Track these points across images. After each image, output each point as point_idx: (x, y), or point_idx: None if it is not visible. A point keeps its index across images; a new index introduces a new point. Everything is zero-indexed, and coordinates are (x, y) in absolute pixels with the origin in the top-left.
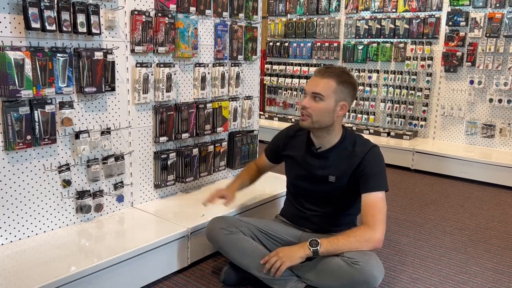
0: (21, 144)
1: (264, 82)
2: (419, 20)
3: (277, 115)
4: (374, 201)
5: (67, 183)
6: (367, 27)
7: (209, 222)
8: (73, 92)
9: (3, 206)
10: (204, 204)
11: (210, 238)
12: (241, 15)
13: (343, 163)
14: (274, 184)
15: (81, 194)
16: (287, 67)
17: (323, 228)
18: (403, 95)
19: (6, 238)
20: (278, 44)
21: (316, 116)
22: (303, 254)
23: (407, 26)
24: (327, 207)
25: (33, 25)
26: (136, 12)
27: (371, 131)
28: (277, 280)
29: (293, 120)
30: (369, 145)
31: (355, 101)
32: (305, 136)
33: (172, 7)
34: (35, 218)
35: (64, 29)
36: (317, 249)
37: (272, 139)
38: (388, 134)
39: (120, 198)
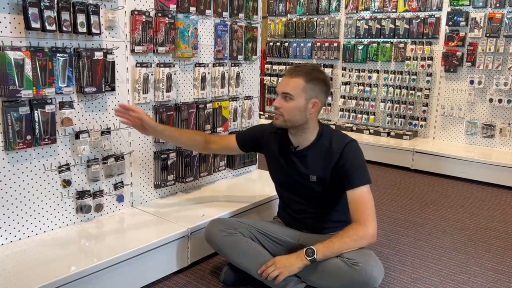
0: (21, 144)
1: (264, 82)
2: (419, 20)
3: None
4: (360, 197)
5: (67, 183)
6: (367, 27)
7: (207, 224)
8: (73, 92)
9: (3, 206)
10: (114, 110)
11: (209, 240)
12: (241, 15)
13: (322, 161)
14: (271, 185)
15: (81, 194)
16: (287, 67)
17: (318, 227)
18: (403, 95)
19: (6, 238)
20: (278, 44)
21: (288, 115)
22: (300, 265)
23: (407, 26)
24: (315, 207)
25: (33, 25)
26: (136, 12)
27: (371, 131)
28: None
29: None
30: (346, 141)
31: (355, 101)
32: (284, 135)
33: (172, 7)
34: (35, 218)
35: (64, 29)
36: (314, 257)
37: (251, 128)
38: (388, 134)
39: (120, 198)
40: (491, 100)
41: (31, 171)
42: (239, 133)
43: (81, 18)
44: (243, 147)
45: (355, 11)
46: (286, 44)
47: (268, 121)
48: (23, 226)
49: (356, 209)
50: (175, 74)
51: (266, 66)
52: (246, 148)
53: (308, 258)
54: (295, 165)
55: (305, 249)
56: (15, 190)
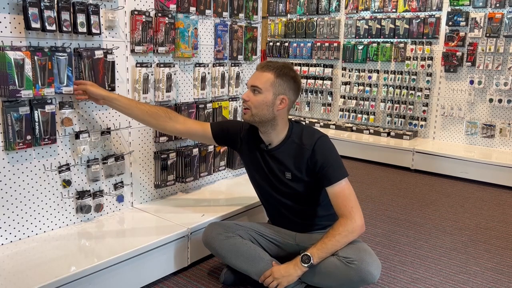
0: (21, 144)
1: None
2: (419, 20)
3: None
4: (341, 192)
5: (67, 183)
6: (367, 27)
7: (205, 229)
8: (73, 92)
9: (3, 206)
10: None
11: (207, 244)
12: (241, 15)
13: (294, 159)
14: None
15: (81, 194)
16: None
17: (306, 224)
18: (403, 95)
19: (6, 238)
20: (278, 44)
21: (255, 108)
22: (299, 273)
23: (407, 26)
24: (297, 204)
25: (33, 25)
26: (136, 12)
27: (371, 131)
28: None
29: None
30: (316, 137)
31: (355, 101)
32: (256, 134)
33: (172, 7)
34: (35, 218)
35: (64, 29)
36: (311, 263)
37: (228, 121)
38: (388, 134)
39: (120, 198)
40: (491, 100)
41: (31, 171)
42: (215, 122)
43: (81, 18)
44: (217, 137)
45: (355, 11)
46: (286, 44)
47: None
48: (23, 226)
49: (339, 204)
50: (175, 74)
51: None
52: (220, 139)
53: (305, 265)
54: (269, 163)
55: (300, 256)
56: (15, 190)
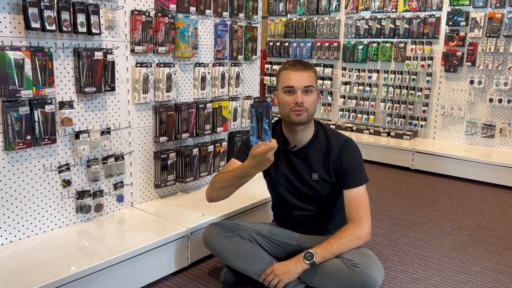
0: (21, 144)
1: (264, 82)
2: (419, 20)
3: (277, 115)
4: (357, 197)
5: (67, 183)
6: (367, 27)
7: (205, 229)
8: (73, 92)
9: (3, 206)
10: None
11: (207, 244)
12: (241, 15)
13: (323, 159)
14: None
15: (81, 194)
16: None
17: (318, 229)
18: (403, 95)
19: (6, 238)
20: (278, 44)
21: (311, 108)
22: (300, 270)
23: (407, 26)
24: (315, 208)
25: (33, 25)
26: (136, 12)
27: (371, 131)
28: None
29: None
30: (343, 138)
31: (355, 101)
32: (279, 135)
33: (172, 7)
34: (35, 218)
35: (64, 29)
36: (313, 261)
37: (243, 143)
38: (388, 134)
39: (120, 198)
40: (491, 100)
41: (31, 171)
42: (236, 154)
43: (81, 18)
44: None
45: (355, 11)
46: (286, 44)
47: None
48: (23, 226)
49: (352, 209)
50: (175, 74)
51: (266, 66)
52: None
53: (307, 262)
54: (294, 165)
55: (303, 253)
56: (15, 190)
